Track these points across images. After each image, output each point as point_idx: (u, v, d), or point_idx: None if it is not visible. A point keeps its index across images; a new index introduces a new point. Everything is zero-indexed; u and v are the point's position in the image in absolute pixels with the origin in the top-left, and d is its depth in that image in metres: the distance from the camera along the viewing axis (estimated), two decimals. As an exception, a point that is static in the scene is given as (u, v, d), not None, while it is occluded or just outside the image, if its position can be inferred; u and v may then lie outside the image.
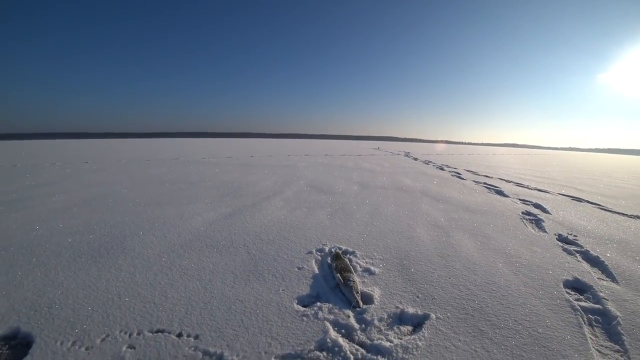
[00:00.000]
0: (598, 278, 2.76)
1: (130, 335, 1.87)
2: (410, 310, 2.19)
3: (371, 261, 2.98)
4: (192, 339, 1.87)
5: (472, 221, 4.40)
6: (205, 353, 1.77)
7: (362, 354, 1.80)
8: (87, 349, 1.76)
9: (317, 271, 2.77)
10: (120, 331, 1.91)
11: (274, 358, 1.75)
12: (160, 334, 1.90)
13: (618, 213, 5.20)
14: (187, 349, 1.79)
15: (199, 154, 17.00)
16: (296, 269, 2.76)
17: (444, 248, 3.33)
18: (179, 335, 1.90)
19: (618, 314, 2.18)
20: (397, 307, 2.22)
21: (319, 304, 2.27)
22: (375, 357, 1.76)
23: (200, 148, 22.95)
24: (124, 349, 1.76)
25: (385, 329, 2.01)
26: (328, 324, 2.03)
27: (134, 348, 1.77)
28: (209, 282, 2.52)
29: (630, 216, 5.01)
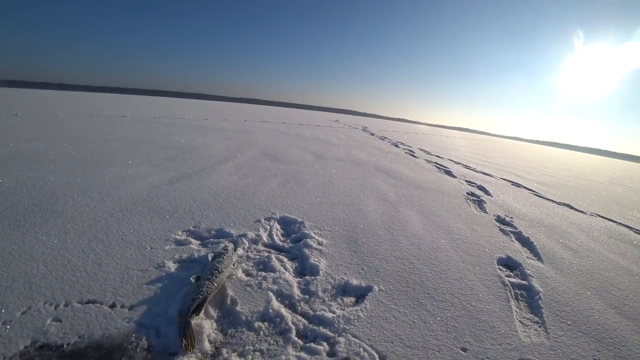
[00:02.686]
0: (527, 257, 3.04)
1: (56, 307, 1.70)
2: (355, 282, 2.24)
3: (320, 232, 3.00)
4: (126, 310, 1.75)
5: (420, 198, 4.60)
6: (140, 324, 1.66)
7: (304, 325, 1.81)
8: (4, 323, 1.57)
9: (265, 239, 2.74)
10: (45, 303, 1.73)
11: (215, 328, 1.71)
12: (91, 305, 1.75)
13: (549, 200, 5.77)
14: (120, 320, 1.67)
15: (149, 112, 15.63)
16: (242, 239, 2.69)
17: (391, 222, 3.45)
18: (112, 306, 1.77)
19: (540, 289, 2.43)
20: (342, 279, 2.26)
21: (263, 273, 2.24)
22: (317, 327, 1.79)
23: (151, 107, 21.03)
24: (48, 322, 1.60)
25: (328, 300, 2.04)
26: (271, 294, 2.01)
27: (60, 321, 1.62)
28: (149, 249, 2.37)
29: (559, 203, 5.59)
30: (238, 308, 1.88)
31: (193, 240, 2.59)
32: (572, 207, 5.42)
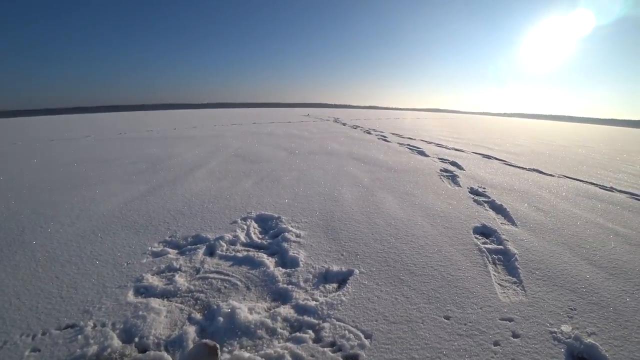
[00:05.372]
0: (501, 223, 3.17)
1: (33, 338, 1.65)
2: (335, 268, 2.27)
3: (297, 225, 3.01)
4: (108, 329, 1.71)
5: (395, 180, 4.69)
6: (124, 340, 1.65)
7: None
8: (-18, 362, 1.51)
9: (242, 239, 2.74)
10: (22, 335, 1.67)
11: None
12: (70, 329, 1.71)
13: (519, 167, 6.03)
14: (102, 339, 1.63)
15: (113, 129, 14.92)
16: (219, 241, 2.68)
17: (367, 207, 3.50)
18: (93, 326, 1.73)
19: (516, 251, 2.55)
20: (322, 267, 2.29)
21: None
22: (301, 317, 1.80)
23: (115, 123, 19.96)
24: (26, 353, 1.55)
25: (310, 289, 2.06)
26: (250, 291, 2.02)
27: (39, 350, 1.57)
28: (126, 265, 2.32)
29: (528, 169, 5.86)
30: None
31: (170, 250, 2.56)
32: (541, 172, 5.68)
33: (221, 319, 1.78)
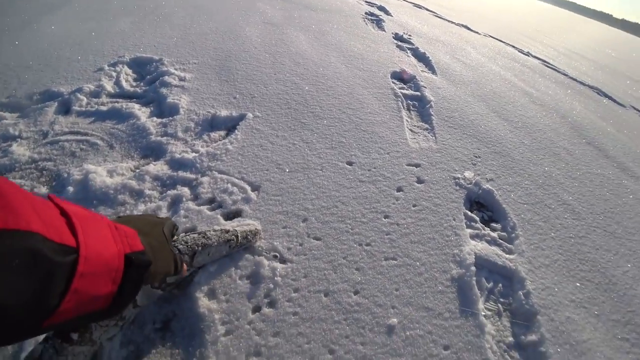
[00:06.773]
0: (421, 70, 2.95)
1: None
2: (224, 113, 1.85)
3: (182, 67, 2.39)
4: None
5: (311, 19, 4.01)
6: None
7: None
8: None
9: (109, 89, 2.09)
10: None
11: None
12: None
13: (448, 21, 5.74)
14: None
15: None
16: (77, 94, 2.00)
17: (274, 45, 2.92)
18: None
19: (432, 99, 2.38)
20: (207, 113, 1.85)
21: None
22: (175, 173, 1.45)
23: None
24: None
25: (191, 140, 1.66)
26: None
27: None
28: None
29: (457, 24, 5.63)
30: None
31: (6, 115, 1.82)
32: (468, 28, 5.54)
33: (71, 188, 1.34)
